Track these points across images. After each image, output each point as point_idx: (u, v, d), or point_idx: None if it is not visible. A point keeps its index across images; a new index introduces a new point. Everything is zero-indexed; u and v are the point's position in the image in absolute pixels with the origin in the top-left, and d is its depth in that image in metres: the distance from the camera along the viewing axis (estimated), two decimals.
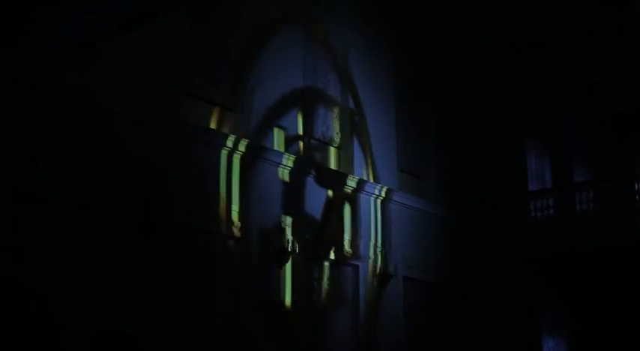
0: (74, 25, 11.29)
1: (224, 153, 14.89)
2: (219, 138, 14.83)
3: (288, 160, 16.11)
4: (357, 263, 17.56)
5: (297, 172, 16.36)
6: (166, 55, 14.04)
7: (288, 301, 15.67)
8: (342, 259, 17.18)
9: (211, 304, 14.29)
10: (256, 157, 15.48)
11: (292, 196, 16.19)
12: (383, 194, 18.51)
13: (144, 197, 13.01)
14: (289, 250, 15.55)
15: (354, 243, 17.51)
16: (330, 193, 17.19)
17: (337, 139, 17.91)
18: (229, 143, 14.92)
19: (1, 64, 11.50)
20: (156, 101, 13.71)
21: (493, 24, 21.28)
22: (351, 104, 18.36)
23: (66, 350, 11.96)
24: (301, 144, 16.86)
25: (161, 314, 13.14)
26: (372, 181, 18.38)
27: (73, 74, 12.37)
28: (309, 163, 16.80)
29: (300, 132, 16.92)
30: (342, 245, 17.19)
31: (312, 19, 17.65)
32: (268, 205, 15.62)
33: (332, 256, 16.96)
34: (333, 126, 17.89)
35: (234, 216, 14.90)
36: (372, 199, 18.31)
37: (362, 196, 17.96)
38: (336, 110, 18.01)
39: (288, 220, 15.86)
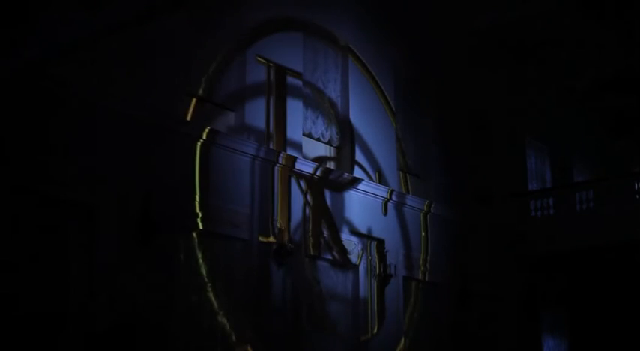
0: (73, 23, 11.29)
1: (223, 153, 14.88)
2: (213, 136, 14.80)
3: (289, 161, 16.11)
4: (356, 263, 17.54)
5: (297, 173, 16.35)
6: (166, 54, 14.03)
7: (287, 300, 15.68)
8: (341, 259, 17.16)
9: (209, 302, 14.31)
10: (256, 157, 15.48)
11: (292, 196, 16.17)
12: (383, 194, 18.49)
13: (144, 197, 13.04)
14: (288, 249, 15.57)
15: (353, 243, 17.49)
16: (330, 193, 17.17)
17: (337, 139, 17.91)
18: (224, 142, 14.91)
19: (1, 61, 11.49)
20: (156, 100, 13.70)
21: (494, 23, 21.27)
22: (351, 103, 18.33)
23: (66, 349, 11.97)
24: (301, 144, 16.84)
25: (160, 312, 13.16)
26: (371, 180, 18.37)
27: (72, 72, 12.37)
28: (310, 164, 16.78)
29: (300, 133, 16.90)
30: (342, 245, 17.16)
31: (312, 17, 17.63)
32: (268, 205, 15.62)
33: (332, 255, 16.95)
34: (333, 126, 17.89)
35: (234, 215, 14.89)
36: (372, 198, 18.28)
37: (362, 196, 17.94)
38: (335, 110, 18.00)
39: (287, 220, 15.86)
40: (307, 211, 16.51)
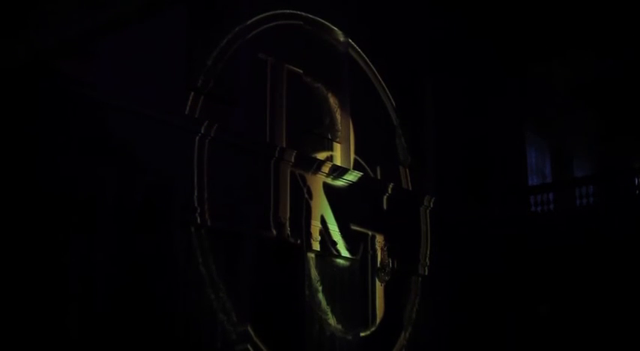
0: (73, 18, 11.28)
1: (222, 147, 14.90)
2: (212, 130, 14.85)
3: (289, 155, 16.13)
4: (356, 259, 17.56)
5: (297, 167, 16.37)
6: (165, 49, 14.04)
7: (287, 297, 15.73)
8: (342, 254, 17.19)
9: (209, 298, 14.36)
10: (256, 151, 15.51)
11: (292, 191, 16.20)
12: (383, 189, 18.50)
13: (146, 192, 13.08)
14: (289, 244, 15.61)
15: (353, 237, 17.51)
16: (330, 188, 17.18)
17: (338, 134, 17.91)
18: (223, 136, 14.92)
19: (2, 57, 11.51)
20: (158, 96, 13.72)
21: (495, 21, 21.26)
22: (351, 97, 18.33)
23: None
24: (300, 139, 16.86)
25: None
26: (372, 175, 18.38)
27: (72, 68, 12.39)
28: (310, 158, 16.80)
29: (300, 127, 16.92)
30: (342, 239, 17.19)
31: (311, 15, 17.64)
32: (267, 201, 15.63)
33: (333, 251, 16.97)
34: (333, 120, 17.91)
35: (233, 209, 14.91)
36: (373, 194, 18.30)
37: (362, 192, 17.95)
38: (335, 104, 18.00)
39: (290, 215, 15.89)
40: (307, 205, 16.52)
